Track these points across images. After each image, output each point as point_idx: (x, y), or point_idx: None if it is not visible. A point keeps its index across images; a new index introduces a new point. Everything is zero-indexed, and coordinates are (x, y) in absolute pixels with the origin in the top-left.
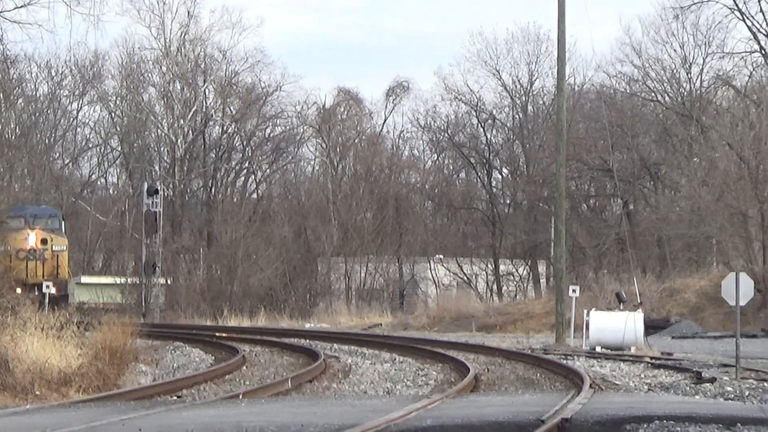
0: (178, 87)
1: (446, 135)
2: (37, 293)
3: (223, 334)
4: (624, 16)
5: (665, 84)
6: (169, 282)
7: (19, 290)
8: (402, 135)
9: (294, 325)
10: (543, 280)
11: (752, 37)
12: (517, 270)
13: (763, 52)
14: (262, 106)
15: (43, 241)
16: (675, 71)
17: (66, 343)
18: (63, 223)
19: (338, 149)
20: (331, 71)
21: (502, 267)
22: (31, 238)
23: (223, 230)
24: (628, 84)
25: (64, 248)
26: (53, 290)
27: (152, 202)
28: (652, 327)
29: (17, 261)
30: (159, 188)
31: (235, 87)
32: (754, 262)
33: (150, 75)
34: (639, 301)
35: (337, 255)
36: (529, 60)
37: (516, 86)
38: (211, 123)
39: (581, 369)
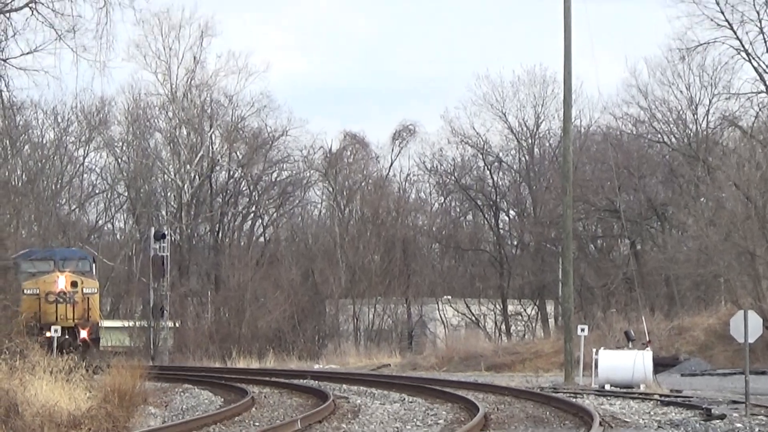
0: (185, 132)
1: (453, 178)
2: (67, 336)
3: (232, 376)
4: (630, 58)
5: (671, 125)
6: (177, 325)
7: (48, 334)
8: (408, 178)
9: (303, 366)
10: (551, 320)
11: (758, 77)
12: (525, 310)
13: None
14: (269, 151)
15: (73, 284)
16: (681, 112)
17: (75, 386)
18: (94, 265)
19: (345, 193)
20: (337, 115)
21: (510, 307)
22: (61, 281)
23: (230, 274)
24: (635, 125)
25: (95, 291)
26: (84, 334)
27: (159, 247)
28: (661, 365)
29: (46, 304)
30: (166, 233)
31: (241, 132)
32: (762, 300)
33: (156, 120)
34: (648, 339)
35: (345, 297)
36: (536, 102)
37: (522, 129)
38: (217, 168)
39: (590, 407)
